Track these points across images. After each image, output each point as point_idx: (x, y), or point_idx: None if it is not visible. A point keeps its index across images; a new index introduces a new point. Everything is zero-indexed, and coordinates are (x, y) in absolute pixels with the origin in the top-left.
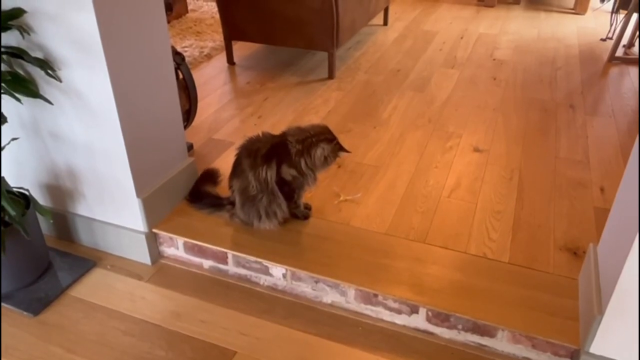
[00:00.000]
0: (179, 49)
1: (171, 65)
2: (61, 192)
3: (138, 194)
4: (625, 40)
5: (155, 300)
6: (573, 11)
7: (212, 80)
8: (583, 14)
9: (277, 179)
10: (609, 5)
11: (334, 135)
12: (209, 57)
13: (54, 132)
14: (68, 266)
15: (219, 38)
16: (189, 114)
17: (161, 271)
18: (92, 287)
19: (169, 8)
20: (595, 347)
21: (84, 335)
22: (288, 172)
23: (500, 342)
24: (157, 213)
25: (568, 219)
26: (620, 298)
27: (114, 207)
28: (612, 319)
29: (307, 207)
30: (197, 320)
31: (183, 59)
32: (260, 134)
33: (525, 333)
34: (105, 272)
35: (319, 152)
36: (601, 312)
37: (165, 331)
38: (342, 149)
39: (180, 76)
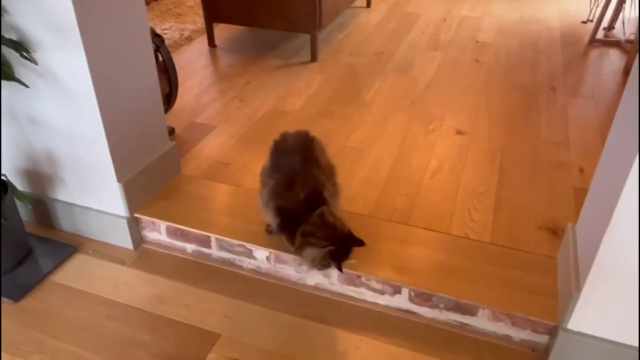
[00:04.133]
0: (158, 31)
1: (150, 47)
2: (40, 177)
3: (119, 179)
4: (605, 22)
5: (138, 284)
6: None
7: (193, 63)
8: None
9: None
10: None
11: (335, 242)
12: (189, 39)
13: (31, 116)
14: (49, 252)
15: (199, 20)
16: (169, 98)
17: (144, 256)
18: (74, 273)
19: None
20: (573, 324)
21: (67, 320)
22: (285, 240)
23: (481, 321)
24: (138, 198)
25: (548, 199)
26: (597, 275)
27: (95, 192)
28: (589, 295)
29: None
30: (181, 304)
31: (162, 41)
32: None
33: (506, 311)
34: (87, 258)
35: (309, 252)
36: (579, 289)
37: (149, 315)
38: (333, 258)
39: (160, 59)
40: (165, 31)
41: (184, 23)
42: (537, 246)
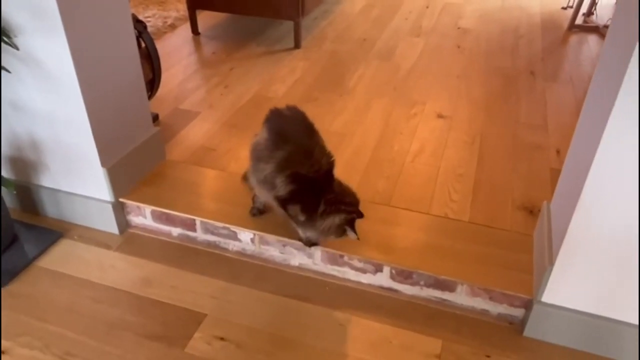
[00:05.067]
0: (141, 19)
1: (132, 32)
2: (24, 163)
3: (103, 164)
4: (584, 8)
5: (124, 268)
6: None
7: (176, 50)
8: None
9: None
10: None
11: (356, 210)
12: (173, 27)
13: (14, 102)
14: (34, 238)
15: (182, 8)
16: (152, 84)
17: (130, 240)
18: (60, 258)
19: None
20: (547, 297)
21: (54, 304)
22: (297, 210)
23: (460, 296)
24: (123, 182)
25: (526, 180)
26: (568, 249)
27: (79, 178)
28: (561, 269)
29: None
30: (167, 286)
31: (145, 27)
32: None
33: (483, 286)
34: (72, 243)
35: (333, 219)
36: (552, 263)
37: (136, 297)
38: (352, 223)
39: (143, 45)
40: (148, 19)
41: (167, 11)
42: (514, 225)
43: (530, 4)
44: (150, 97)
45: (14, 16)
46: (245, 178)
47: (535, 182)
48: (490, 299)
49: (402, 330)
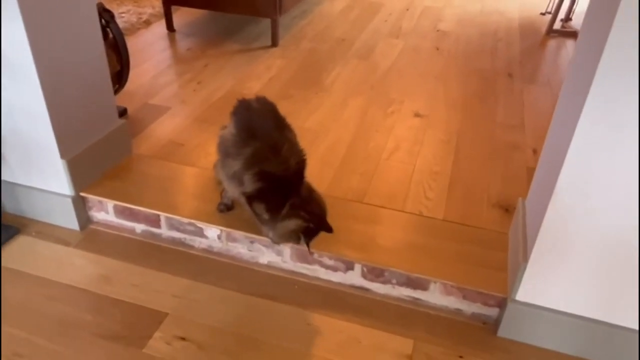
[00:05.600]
0: (108, 8)
1: (96, 17)
2: None
3: (62, 155)
4: (562, 14)
5: (83, 265)
6: None
7: (150, 46)
8: None
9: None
10: None
11: (317, 220)
12: (147, 23)
13: None
14: None
15: (158, 4)
16: (120, 76)
17: (90, 237)
18: (15, 254)
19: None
20: (521, 295)
21: (5, 302)
22: (262, 208)
23: (433, 295)
24: (84, 176)
25: (502, 179)
26: (542, 246)
27: (38, 170)
28: (535, 266)
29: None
30: (128, 284)
31: (112, 16)
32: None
33: (457, 284)
34: (30, 239)
35: (291, 223)
36: (526, 260)
37: (93, 295)
38: (308, 233)
39: (110, 36)
40: (122, 14)
41: (142, 7)
42: (489, 223)
43: (509, 9)
44: (117, 90)
45: None
46: (215, 168)
47: (511, 180)
48: (464, 297)
49: (372, 330)
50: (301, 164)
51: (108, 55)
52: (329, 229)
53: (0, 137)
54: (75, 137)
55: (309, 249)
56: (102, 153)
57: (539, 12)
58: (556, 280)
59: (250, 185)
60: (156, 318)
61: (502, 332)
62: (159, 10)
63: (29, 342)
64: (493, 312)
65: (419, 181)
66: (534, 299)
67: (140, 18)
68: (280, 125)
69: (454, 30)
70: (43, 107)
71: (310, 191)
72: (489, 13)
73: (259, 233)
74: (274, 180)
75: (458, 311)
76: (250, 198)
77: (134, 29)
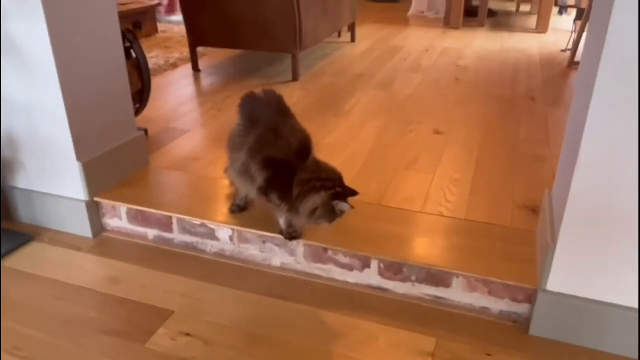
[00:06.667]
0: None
1: (116, 21)
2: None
3: (78, 157)
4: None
5: (93, 268)
6: (535, 31)
7: (175, 83)
8: (544, 33)
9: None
10: (568, 25)
11: (338, 185)
12: (174, 66)
13: None
14: (2, 239)
15: (185, 50)
16: (141, 95)
17: (103, 243)
18: (26, 258)
19: (138, 26)
20: (553, 284)
21: (7, 299)
22: (276, 198)
23: (456, 292)
24: (99, 182)
25: (527, 185)
26: (570, 223)
27: (54, 174)
28: (566, 249)
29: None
30: (136, 285)
31: (135, 37)
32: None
33: (482, 277)
34: (42, 246)
35: (311, 200)
36: (555, 241)
37: (100, 295)
38: (338, 197)
39: (134, 56)
40: (151, 58)
41: (170, 53)
42: (515, 221)
43: (529, 47)
44: (139, 110)
45: None
46: (226, 171)
47: (538, 186)
48: (490, 293)
49: (391, 329)
50: (303, 142)
51: (130, 74)
52: (352, 191)
53: (0, 143)
54: (92, 141)
55: (351, 206)
56: (118, 161)
57: (560, 50)
58: (592, 265)
59: (259, 177)
60: (161, 315)
61: (534, 330)
62: (187, 55)
63: (29, 337)
64: (523, 309)
65: (438, 186)
66: (568, 288)
67: (168, 61)
68: (282, 111)
69: (474, 64)
70: (62, 108)
71: (318, 163)
72: (509, 50)
73: (272, 230)
74: (279, 165)
75: (484, 310)
76: (264, 190)
77: (161, 70)
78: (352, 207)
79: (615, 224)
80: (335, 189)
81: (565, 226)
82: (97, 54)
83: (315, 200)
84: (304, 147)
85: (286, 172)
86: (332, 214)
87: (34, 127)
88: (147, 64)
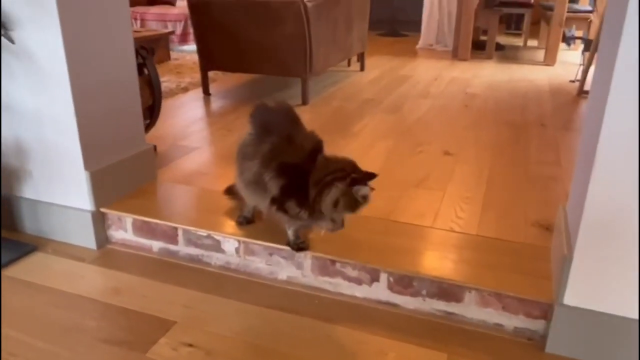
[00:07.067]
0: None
1: (131, 41)
2: (7, 172)
3: (86, 166)
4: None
5: (95, 278)
6: (543, 63)
7: (185, 105)
8: (552, 66)
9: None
10: (575, 58)
11: (352, 171)
12: (185, 89)
13: (4, 103)
14: (6, 249)
15: (197, 76)
16: (152, 111)
17: (106, 255)
18: (28, 268)
19: (151, 52)
20: (570, 297)
21: (9, 307)
22: (294, 205)
23: (468, 308)
24: (106, 192)
25: (540, 203)
26: (587, 233)
27: (61, 182)
28: (582, 261)
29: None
30: (138, 295)
31: (148, 53)
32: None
33: (495, 290)
34: (45, 256)
35: (330, 194)
36: (571, 252)
37: (101, 304)
38: (356, 182)
39: (146, 72)
40: (163, 82)
41: (182, 77)
42: (528, 238)
43: (537, 78)
44: (149, 126)
45: (9, 7)
46: (228, 191)
47: (550, 205)
48: (504, 308)
49: (400, 343)
50: (315, 147)
51: (142, 89)
52: (370, 174)
53: (0, 150)
54: (101, 151)
55: (371, 189)
56: (126, 172)
57: (568, 80)
58: (610, 278)
59: (273, 186)
60: (163, 325)
61: (551, 348)
62: (198, 80)
63: (26, 344)
64: (539, 325)
65: (449, 203)
66: (586, 302)
67: (179, 85)
68: (294, 121)
69: (483, 92)
70: (72, 116)
71: (326, 158)
72: (518, 80)
73: (278, 241)
74: (294, 171)
75: (498, 327)
76: (280, 201)
77: (172, 93)
78: (373, 188)
79: (633, 236)
80: (350, 176)
81: (581, 237)
82: (109, 65)
83: (332, 194)
84: (316, 150)
85: (301, 178)
86: (354, 202)
87: (44, 135)
88: (158, 81)
